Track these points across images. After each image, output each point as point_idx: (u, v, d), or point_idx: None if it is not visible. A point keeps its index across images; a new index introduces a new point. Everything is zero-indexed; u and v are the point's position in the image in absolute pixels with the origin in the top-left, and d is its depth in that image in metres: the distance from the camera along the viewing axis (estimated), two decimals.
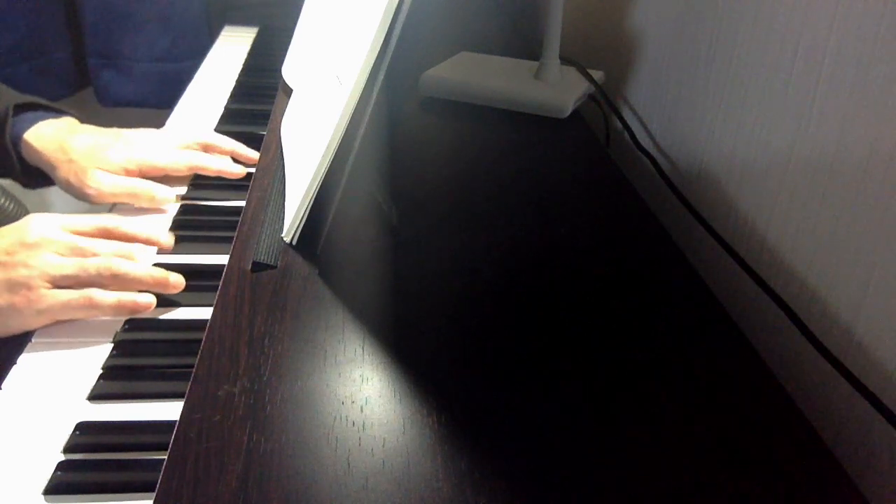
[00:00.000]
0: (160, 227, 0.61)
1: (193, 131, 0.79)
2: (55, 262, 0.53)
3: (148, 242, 0.61)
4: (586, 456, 0.33)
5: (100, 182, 0.69)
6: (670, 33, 0.67)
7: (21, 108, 0.74)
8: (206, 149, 0.78)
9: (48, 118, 0.74)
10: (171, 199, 0.71)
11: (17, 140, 0.73)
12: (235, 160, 0.79)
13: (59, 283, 0.53)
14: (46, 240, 0.54)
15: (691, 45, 0.63)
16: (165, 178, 0.73)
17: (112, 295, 0.53)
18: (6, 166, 0.74)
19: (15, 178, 0.76)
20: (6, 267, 0.52)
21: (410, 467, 0.31)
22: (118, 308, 0.53)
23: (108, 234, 0.59)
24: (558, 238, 0.50)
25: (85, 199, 0.71)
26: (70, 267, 0.53)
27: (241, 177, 0.76)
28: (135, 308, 0.53)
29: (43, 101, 0.76)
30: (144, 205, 0.71)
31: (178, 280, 0.56)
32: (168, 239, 0.62)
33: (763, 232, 0.52)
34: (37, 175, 0.75)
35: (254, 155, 0.78)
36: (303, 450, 0.32)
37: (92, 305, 0.52)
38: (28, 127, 0.73)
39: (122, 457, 0.44)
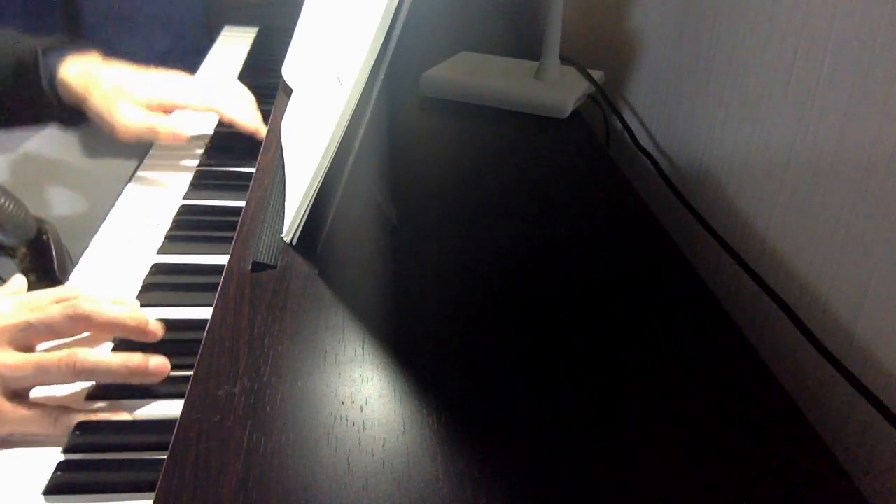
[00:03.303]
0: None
1: (221, 80, 0.85)
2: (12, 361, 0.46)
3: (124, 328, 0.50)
4: (586, 456, 0.33)
5: (127, 118, 0.74)
6: (670, 33, 0.67)
7: (47, 50, 0.75)
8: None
9: (73, 55, 0.76)
10: (187, 137, 0.77)
11: (53, 80, 0.75)
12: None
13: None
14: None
15: (691, 45, 0.63)
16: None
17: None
18: (45, 110, 0.76)
19: (54, 119, 0.78)
20: None
21: (410, 467, 0.31)
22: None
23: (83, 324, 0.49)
24: (558, 238, 0.50)
25: (112, 134, 0.74)
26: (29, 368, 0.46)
27: (253, 131, 0.79)
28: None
29: (66, 40, 0.78)
30: (164, 140, 0.76)
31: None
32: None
33: (763, 232, 0.52)
34: (74, 113, 0.77)
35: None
36: (303, 450, 0.32)
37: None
38: (58, 65, 0.75)
39: (122, 457, 0.44)
